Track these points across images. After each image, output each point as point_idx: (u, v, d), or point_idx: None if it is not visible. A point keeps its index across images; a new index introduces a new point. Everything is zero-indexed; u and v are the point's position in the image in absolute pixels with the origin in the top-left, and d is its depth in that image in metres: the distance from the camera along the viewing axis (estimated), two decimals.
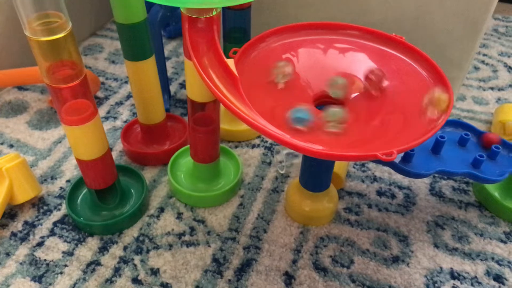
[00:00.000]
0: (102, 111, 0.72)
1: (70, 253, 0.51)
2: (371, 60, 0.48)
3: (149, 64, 0.55)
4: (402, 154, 0.49)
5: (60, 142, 0.66)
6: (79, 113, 0.45)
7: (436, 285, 0.48)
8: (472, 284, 0.49)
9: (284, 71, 0.44)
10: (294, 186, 0.55)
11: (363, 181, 0.60)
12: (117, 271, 0.49)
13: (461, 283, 0.49)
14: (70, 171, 0.61)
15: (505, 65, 0.86)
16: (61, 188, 0.59)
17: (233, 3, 0.38)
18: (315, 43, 0.48)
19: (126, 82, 0.79)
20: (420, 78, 0.44)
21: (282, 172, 0.61)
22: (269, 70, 0.44)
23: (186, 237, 0.53)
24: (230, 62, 0.41)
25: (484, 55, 0.89)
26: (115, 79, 0.79)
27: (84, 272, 0.49)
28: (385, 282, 0.49)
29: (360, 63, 0.47)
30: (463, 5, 0.64)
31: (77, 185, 0.56)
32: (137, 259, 0.50)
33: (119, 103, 0.74)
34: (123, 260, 0.50)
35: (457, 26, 0.67)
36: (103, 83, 0.78)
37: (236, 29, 0.60)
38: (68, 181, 0.60)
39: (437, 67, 0.44)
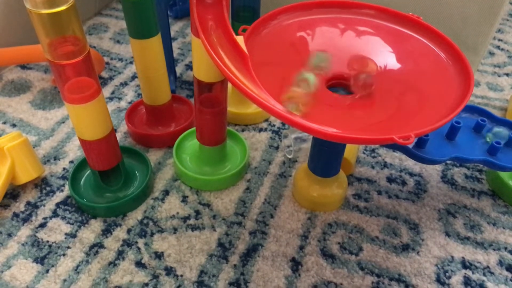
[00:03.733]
0: (106, 91, 0.70)
1: (73, 235, 0.50)
2: (386, 41, 0.46)
3: (155, 43, 0.53)
4: (415, 140, 0.47)
5: (63, 122, 0.64)
6: (82, 91, 0.43)
7: (447, 274, 0.47)
8: (484, 274, 0.47)
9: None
10: (302, 170, 0.53)
11: (373, 167, 0.59)
12: (120, 254, 0.48)
13: (473, 273, 0.47)
14: (74, 152, 0.60)
15: None
16: (64, 169, 0.58)
17: None
18: (330, 22, 0.45)
19: (131, 62, 0.77)
20: (438, 60, 0.43)
21: (290, 156, 0.60)
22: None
23: (191, 221, 0.52)
24: (240, 40, 0.39)
25: (500, 40, 0.86)
26: (120, 59, 0.78)
27: (87, 255, 0.48)
28: (394, 270, 0.47)
29: (374, 45, 0.45)
30: None
31: (81, 166, 0.55)
32: (141, 242, 0.49)
33: (124, 84, 0.72)
34: (127, 243, 0.49)
35: (473, 9, 0.64)
36: (107, 63, 0.77)
37: (245, 8, 0.58)
38: (71, 162, 0.59)
39: (456, 48, 0.42)
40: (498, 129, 0.49)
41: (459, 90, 0.39)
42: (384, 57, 0.45)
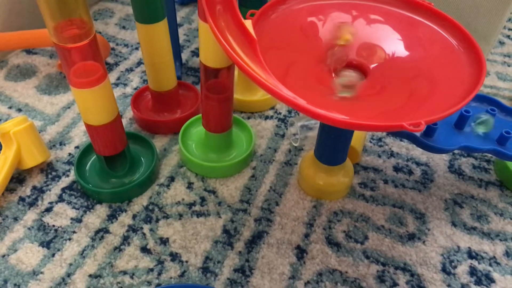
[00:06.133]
0: (112, 77, 0.70)
1: (78, 220, 0.50)
2: (396, 28, 0.45)
3: (161, 28, 0.53)
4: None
5: (69, 107, 0.64)
6: (88, 75, 0.43)
7: (453, 264, 0.47)
8: (490, 264, 0.47)
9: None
10: (309, 158, 0.53)
11: (379, 156, 0.58)
12: (125, 240, 0.48)
13: (479, 263, 0.47)
14: (79, 137, 0.60)
15: None
16: (69, 154, 0.57)
17: None
18: (340, 8, 0.45)
19: (137, 48, 0.76)
20: (449, 47, 0.42)
21: (296, 144, 0.60)
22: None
23: (197, 207, 0.51)
24: (248, 24, 0.39)
25: (510, 29, 0.85)
26: (126, 45, 0.77)
27: (93, 239, 0.48)
28: (399, 259, 0.47)
29: (384, 32, 0.45)
30: None
31: (86, 151, 0.55)
32: (146, 228, 0.49)
33: (130, 70, 0.72)
34: (132, 229, 0.49)
35: None
36: (113, 49, 0.76)
37: None
38: (76, 147, 0.58)
39: (468, 35, 0.41)
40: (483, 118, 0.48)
41: (470, 78, 0.38)
42: (394, 44, 0.44)
